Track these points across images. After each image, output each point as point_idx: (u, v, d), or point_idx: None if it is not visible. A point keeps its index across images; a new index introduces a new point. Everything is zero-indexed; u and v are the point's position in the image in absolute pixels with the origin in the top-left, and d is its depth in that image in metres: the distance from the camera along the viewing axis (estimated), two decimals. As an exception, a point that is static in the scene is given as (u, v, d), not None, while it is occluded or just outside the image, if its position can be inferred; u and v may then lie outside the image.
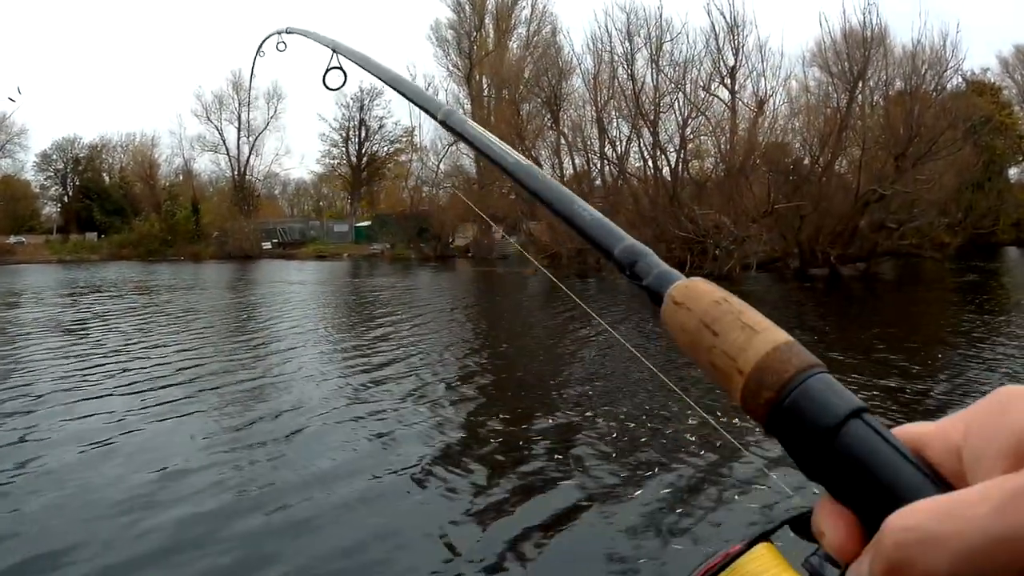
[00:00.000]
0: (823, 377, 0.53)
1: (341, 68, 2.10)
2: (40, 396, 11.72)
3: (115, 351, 16.15)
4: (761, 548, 0.83)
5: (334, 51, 2.06)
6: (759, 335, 0.57)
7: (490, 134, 1.11)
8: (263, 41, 3.18)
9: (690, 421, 9.11)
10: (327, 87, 2.16)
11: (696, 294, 0.64)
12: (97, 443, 8.88)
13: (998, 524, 0.38)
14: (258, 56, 3.37)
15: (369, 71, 1.81)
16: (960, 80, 46.42)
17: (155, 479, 7.75)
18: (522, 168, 0.99)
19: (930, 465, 0.47)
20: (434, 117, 1.31)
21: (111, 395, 11.70)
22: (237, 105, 79.98)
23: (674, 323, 0.64)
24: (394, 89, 1.63)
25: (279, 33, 2.91)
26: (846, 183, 38.14)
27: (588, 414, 10.05)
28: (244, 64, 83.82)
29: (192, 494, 7.24)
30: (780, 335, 0.57)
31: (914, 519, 0.41)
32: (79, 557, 5.89)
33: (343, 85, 2.17)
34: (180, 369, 13.85)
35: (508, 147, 1.05)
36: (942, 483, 0.46)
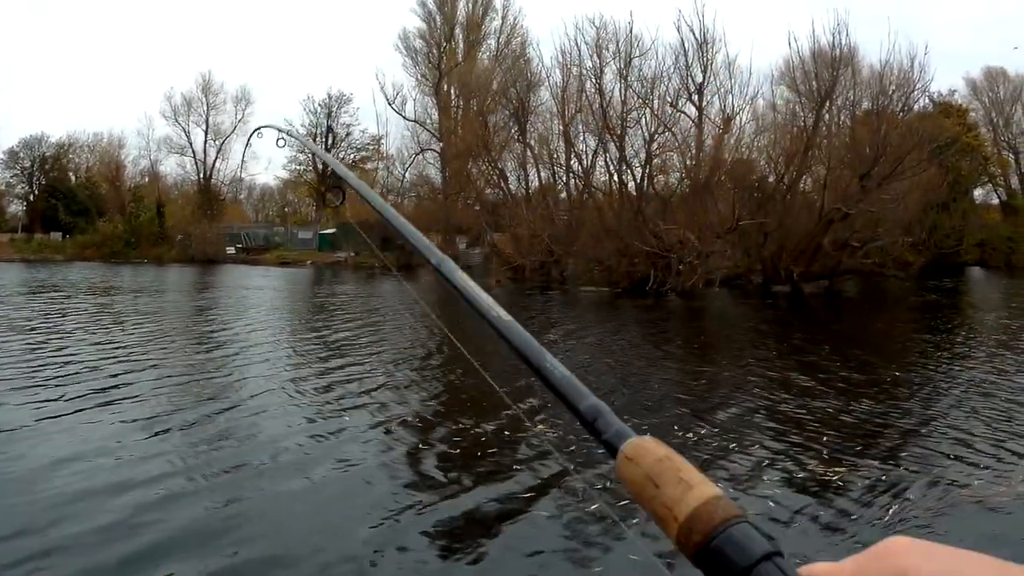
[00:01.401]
0: (742, 527, 0.63)
1: (341, 187, 2.34)
2: None
3: (62, 349, 16.10)
4: None
5: (333, 174, 2.28)
6: (692, 490, 0.67)
7: (477, 287, 1.21)
8: (257, 129, 3.48)
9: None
10: (328, 204, 2.17)
11: (643, 452, 0.73)
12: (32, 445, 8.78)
13: None
14: (247, 146, 3.42)
15: (367, 201, 1.96)
16: (927, 101, 46.85)
17: (94, 474, 7.76)
18: (503, 322, 1.09)
19: None
20: (428, 262, 1.42)
21: (51, 394, 11.56)
22: (206, 108, 79.43)
23: (625, 475, 0.74)
24: (391, 226, 1.72)
25: (280, 131, 3.13)
26: (810, 201, 38.19)
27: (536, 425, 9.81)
28: (216, 65, 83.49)
29: (138, 487, 7.32)
30: (709, 490, 0.67)
31: None
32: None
33: (342, 202, 2.38)
34: (128, 368, 13.95)
35: (492, 301, 1.14)
36: None
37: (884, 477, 7.64)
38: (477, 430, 9.65)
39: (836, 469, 7.91)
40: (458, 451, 8.88)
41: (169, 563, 5.74)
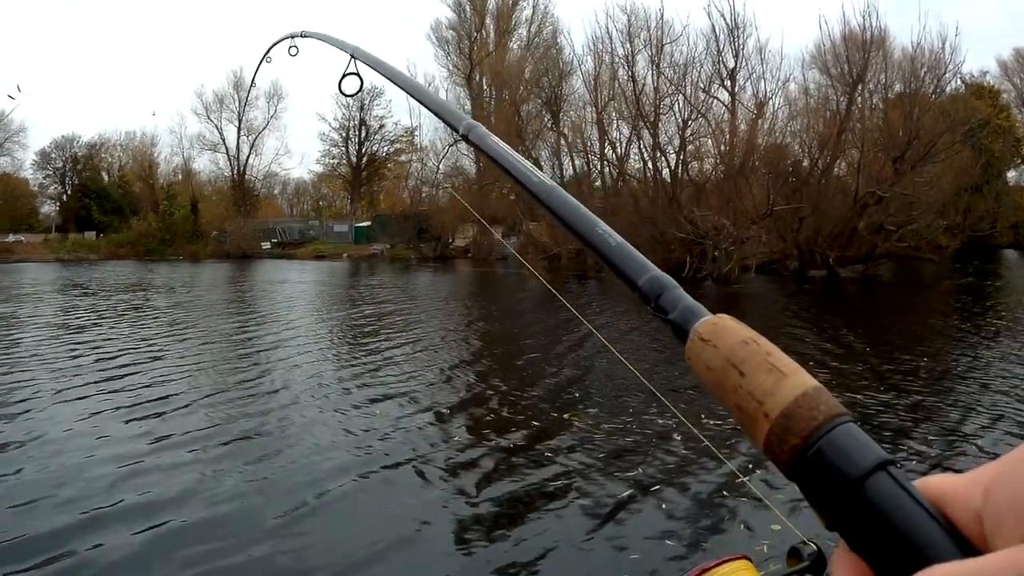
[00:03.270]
0: (849, 427, 0.52)
1: (358, 74, 2.04)
2: (35, 393, 11.83)
3: (105, 348, 16.31)
4: (738, 563, 0.89)
5: (352, 56, 2.00)
6: (788, 379, 0.55)
7: (512, 151, 1.08)
8: (275, 44, 3.12)
9: (676, 433, 9.03)
10: (343, 93, 2.09)
11: (723, 332, 0.62)
12: (88, 445, 8.90)
13: None
14: (264, 61, 3.37)
15: (388, 78, 1.80)
16: (959, 83, 46.60)
17: (147, 471, 7.89)
18: (545, 187, 0.96)
19: (952, 524, 0.45)
20: (455, 130, 1.28)
21: (98, 393, 11.73)
22: (238, 104, 79.93)
23: (699, 360, 0.62)
24: (414, 98, 1.62)
25: (293, 37, 2.84)
26: (845, 185, 38.27)
27: (568, 416, 10.10)
28: (247, 63, 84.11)
29: (182, 492, 7.33)
30: (808, 380, 0.55)
31: None
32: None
33: (359, 91, 2.11)
34: (178, 367, 14.00)
35: (530, 164, 1.02)
36: (964, 545, 0.44)
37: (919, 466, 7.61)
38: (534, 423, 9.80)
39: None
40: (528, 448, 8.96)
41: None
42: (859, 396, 10.87)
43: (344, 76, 2.02)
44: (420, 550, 6.14)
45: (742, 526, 6.37)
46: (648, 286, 0.74)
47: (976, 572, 0.39)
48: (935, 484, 0.48)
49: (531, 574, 5.77)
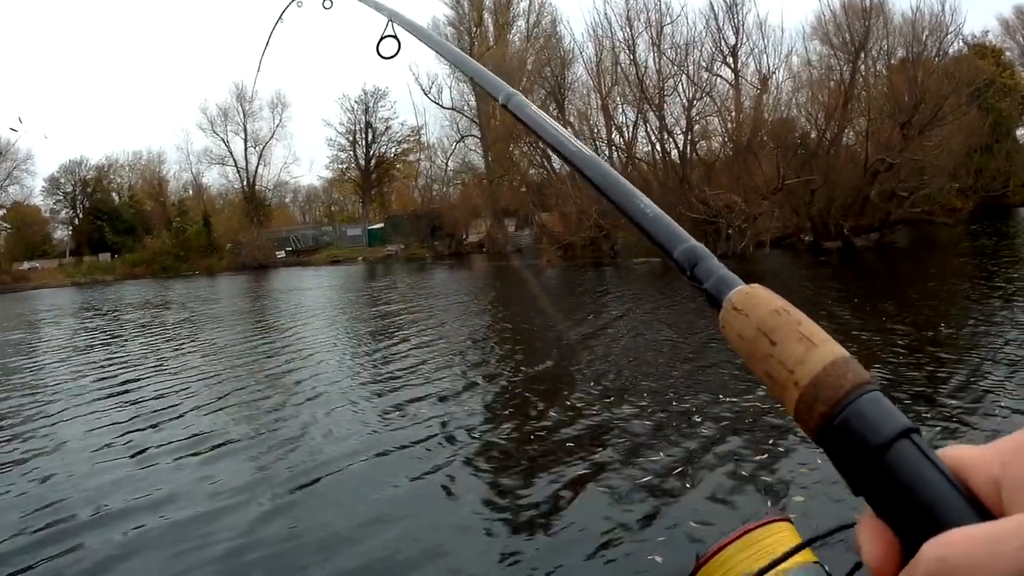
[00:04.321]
0: (875, 395, 0.54)
1: (396, 37, 2.00)
2: (62, 412, 12.09)
3: (131, 367, 16.47)
4: (779, 525, 0.96)
5: (390, 20, 1.98)
6: (817, 348, 0.57)
7: (552, 120, 1.07)
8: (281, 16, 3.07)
9: (702, 412, 9.09)
10: (380, 55, 2.05)
11: (756, 301, 0.64)
12: (127, 455, 9.14)
13: None
14: (278, 23, 3.18)
15: (428, 44, 1.77)
16: (961, 44, 46.45)
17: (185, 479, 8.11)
18: (584, 158, 0.97)
19: (972, 492, 0.47)
20: (495, 99, 1.27)
21: (137, 409, 11.93)
22: (242, 116, 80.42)
23: (732, 329, 0.64)
24: (455, 66, 1.61)
25: None
26: (854, 154, 38.21)
27: (609, 401, 10.17)
28: (249, 73, 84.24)
29: (218, 495, 7.52)
30: (838, 350, 0.57)
31: (948, 549, 0.42)
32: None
33: (397, 54, 2.05)
34: (204, 382, 14.09)
35: (570, 134, 1.02)
36: (982, 511, 0.46)
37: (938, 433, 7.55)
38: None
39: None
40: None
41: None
42: (881, 364, 10.84)
43: (382, 39, 2.00)
44: (464, 547, 6.17)
45: (775, 493, 6.46)
46: (684, 256, 0.75)
47: (990, 534, 0.41)
48: (956, 453, 0.50)
49: (571, 529, 6.00)
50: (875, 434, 0.51)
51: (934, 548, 0.42)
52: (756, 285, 0.67)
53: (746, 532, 0.96)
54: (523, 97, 1.20)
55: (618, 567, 5.57)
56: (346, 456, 8.67)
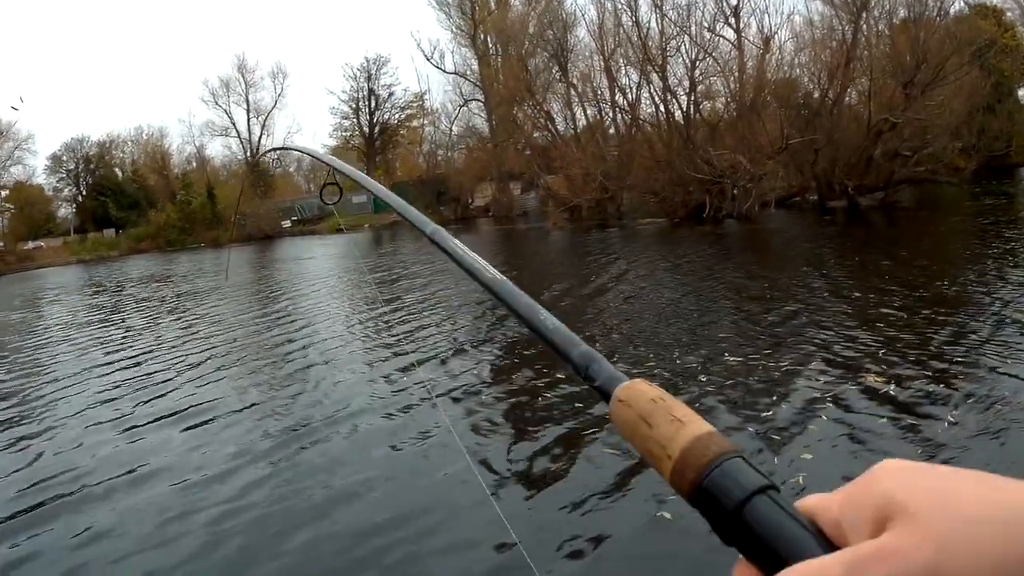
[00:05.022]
0: (735, 461, 0.62)
1: (338, 184, 2.28)
2: (72, 387, 12.53)
3: (130, 341, 17.10)
4: None
5: (331, 169, 2.19)
6: (685, 427, 0.67)
7: (470, 251, 1.22)
8: (260, 155, 3.14)
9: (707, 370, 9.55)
10: (324, 202, 2.34)
11: (636, 394, 0.74)
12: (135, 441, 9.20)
13: None
14: (258, 162, 3.27)
15: (364, 187, 1.97)
16: (962, 4, 46.43)
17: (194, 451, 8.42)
18: (496, 283, 1.09)
19: (820, 532, 0.56)
20: (423, 232, 1.43)
21: (149, 384, 12.24)
22: (244, 87, 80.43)
23: (619, 418, 0.74)
24: (386, 204, 1.72)
25: (275, 150, 2.90)
26: (857, 114, 38.17)
27: (613, 361, 10.30)
28: (250, 47, 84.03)
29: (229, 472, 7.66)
30: (702, 427, 0.67)
31: None
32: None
33: (339, 200, 2.38)
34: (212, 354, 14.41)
35: (485, 263, 1.16)
36: (828, 547, 0.54)
37: (935, 394, 7.65)
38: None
39: (886, 385, 8.03)
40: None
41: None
42: (875, 323, 11.01)
43: (324, 186, 2.28)
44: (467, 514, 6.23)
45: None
46: (580, 358, 0.86)
47: (817, 567, 0.50)
48: (808, 502, 0.58)
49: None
50: (735, 493, 0.60)
51: None
52: (638, 380, 0.77)
53: None
54: (445, 232, 1.36)
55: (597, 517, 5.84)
56: (344, 419, 9.03)
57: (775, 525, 0.58)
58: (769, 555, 0.57)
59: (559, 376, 9.56)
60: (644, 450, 0.70)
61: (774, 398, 7.95)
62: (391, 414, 9.11)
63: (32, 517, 7.00)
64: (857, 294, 13.54)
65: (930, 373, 8.36)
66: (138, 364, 14.23)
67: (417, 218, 1.49)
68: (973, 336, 9.87)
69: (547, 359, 10.52)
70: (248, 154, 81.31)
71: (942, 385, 7.89)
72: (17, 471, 8.42)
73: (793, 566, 0.52)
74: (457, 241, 1.28)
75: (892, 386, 7.96)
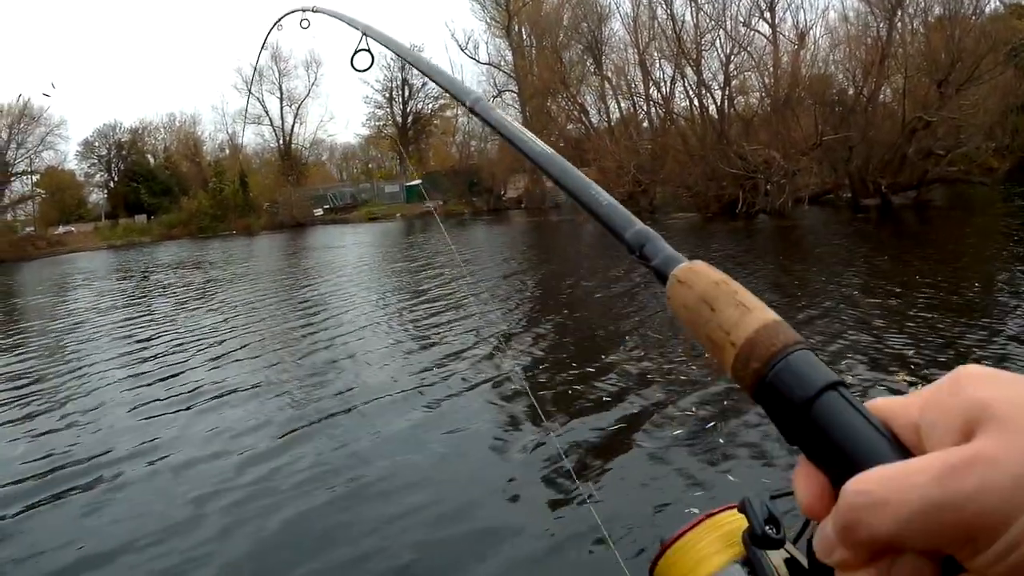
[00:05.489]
0: (804, 353, 0.59)
1: (369, 50, 2.13)
2: (103, 374, 12.69)
3: (154, 324, 17.49)
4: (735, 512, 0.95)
5: (364, 34, 2.08)
6: (751, 313, 0.63)
7: (515, 123, 1.15)
8: (283, 16, 3.18)
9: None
10: (355, 68, 2.18)
11: (697, 275, 0.70)
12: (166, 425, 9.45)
13: (936, 492, 0.43)
14: (275, 28, 3.35)
15: (398, 54, 1.88)
16: (998, 3, 46.14)
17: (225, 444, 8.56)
18: (545, 155, 1.04)
19: (896, 437, 0.51)
20: (463, 104, 1.36)
21: (180, 370, 12.47)
22: (277, 75, 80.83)
23: (677, 300, 0.70)
24: (423, 73, 1.69)
25: (303, 11, 2.86)
26: (891, 112, 38.09)
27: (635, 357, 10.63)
28: (279, 36, 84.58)
29: (257, 461, 7.94)
30: (769, 315, 0.63)
31: (866, 484, 0.46)
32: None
33: (370, 67, 2.20)
34: (243, 343, 14.63)
35: (532, 135, 1.10)
36: (905, 453, 0.50)
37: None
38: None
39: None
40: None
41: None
42: (901, 320, 11.22)
43: (356, 52, 2.13)
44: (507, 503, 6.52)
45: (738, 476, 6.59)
46: (634, 238, 0.81)
47: (905, 469, 0.46)
48: (882, 403, 0.54)
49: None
50: (803, 387, 0.55)
51: (855, 484, 0.46)
52: (699, 261, 0.73)
53: (709, 516, 0.97)
54: (488, 102, 1.32)
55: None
56: (374, 412, 9.26)
57: (847, 424, 0.53)
58: (837, 456, 0.52)
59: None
60: (704, 336, 0.66)
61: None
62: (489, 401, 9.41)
63: (53, 497, 7.26)
64: (888, 293, 13.66)
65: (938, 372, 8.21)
66: (158, 347, 14.64)
67: (458, 88, 1.45)
68: (1001, 338, 10.00)
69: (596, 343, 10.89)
70: (281, 143, 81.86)
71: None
72: (39, 453, 8.70)
73: (868, 471, 0.47)
74: (500, 112, 1.23)
75: (921, 386, 8.05)
